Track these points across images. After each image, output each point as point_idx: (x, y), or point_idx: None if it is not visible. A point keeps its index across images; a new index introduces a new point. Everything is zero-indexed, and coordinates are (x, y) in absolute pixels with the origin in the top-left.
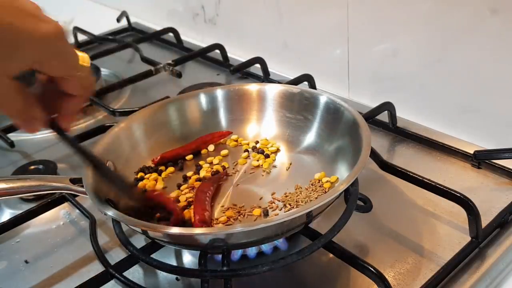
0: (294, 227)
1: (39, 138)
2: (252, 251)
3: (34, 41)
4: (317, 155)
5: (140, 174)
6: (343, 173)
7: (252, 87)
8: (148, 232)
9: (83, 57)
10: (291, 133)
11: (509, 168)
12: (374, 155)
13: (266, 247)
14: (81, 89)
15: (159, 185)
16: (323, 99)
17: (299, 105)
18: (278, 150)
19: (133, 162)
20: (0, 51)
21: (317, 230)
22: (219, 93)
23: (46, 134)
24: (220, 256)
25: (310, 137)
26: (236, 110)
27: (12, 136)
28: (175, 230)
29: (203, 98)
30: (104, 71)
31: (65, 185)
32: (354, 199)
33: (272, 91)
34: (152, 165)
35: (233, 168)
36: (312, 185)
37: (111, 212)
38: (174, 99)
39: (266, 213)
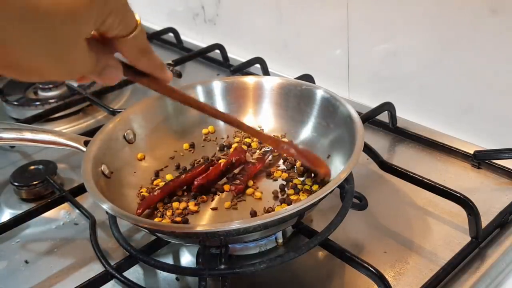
0: (287, 221)
1: None
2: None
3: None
4: (314, 148)
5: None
6: (338, 168)
7: (250, 80)
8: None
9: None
10: (288, 126)
11: (509, 168)
12: (374, 155)
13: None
14: (138, 51)
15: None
16: (319, 93)
17: (295, 98)
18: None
19: (130, 162)
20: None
21: (315, 229)
22: (216, 85)
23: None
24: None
25: (307, 131)
26: (233, 102)
27: None
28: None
29: (200, 90)
30: None
31: (78, 145)
32: (350, 197)
33: (269, 83)
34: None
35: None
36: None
37: (106, 205)
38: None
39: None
